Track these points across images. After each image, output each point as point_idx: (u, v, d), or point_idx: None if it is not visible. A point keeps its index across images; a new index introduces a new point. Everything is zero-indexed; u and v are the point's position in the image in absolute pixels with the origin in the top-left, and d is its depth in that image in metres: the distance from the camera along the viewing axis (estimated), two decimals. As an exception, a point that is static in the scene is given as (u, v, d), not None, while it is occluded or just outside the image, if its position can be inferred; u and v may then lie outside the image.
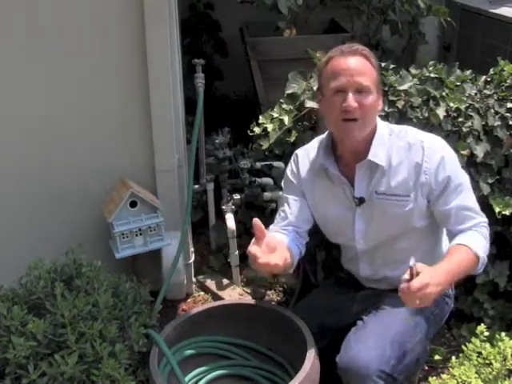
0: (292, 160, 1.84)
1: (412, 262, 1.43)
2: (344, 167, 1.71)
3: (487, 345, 1.65)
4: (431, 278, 1.42)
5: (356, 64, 1.59)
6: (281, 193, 2.50)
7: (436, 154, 1.63)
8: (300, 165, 1.80)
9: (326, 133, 1.76)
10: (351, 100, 1.56)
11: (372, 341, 1.56)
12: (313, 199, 1.78)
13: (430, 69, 2.28)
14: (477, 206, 1.67)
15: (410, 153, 1.64)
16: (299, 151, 1.83)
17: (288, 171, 1.83)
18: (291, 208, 1.79)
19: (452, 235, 1.65)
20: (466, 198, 1.65)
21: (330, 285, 1.96)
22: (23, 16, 1.94)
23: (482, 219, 1.66)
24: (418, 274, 1.42)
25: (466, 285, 2.16)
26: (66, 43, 2.00)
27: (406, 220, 1.68)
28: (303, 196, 1.79)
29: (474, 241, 1.60)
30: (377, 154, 1.64)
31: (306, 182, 1.78)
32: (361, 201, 1.69)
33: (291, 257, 1.68)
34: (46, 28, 1.97)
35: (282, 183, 1.88)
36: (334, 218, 1.77)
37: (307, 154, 1.80)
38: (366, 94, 1.58)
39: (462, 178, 1.66)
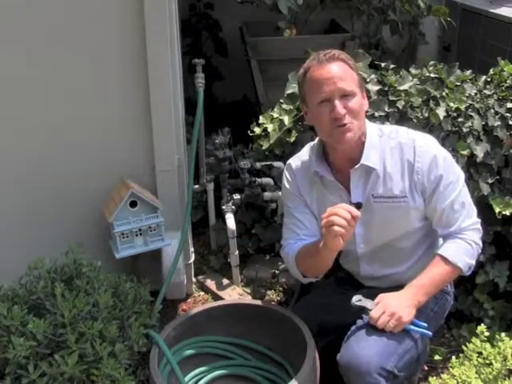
0: (286, 170, 1.82)
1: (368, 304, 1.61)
2: (338, 173, 1.70)
3: (487, 345, 1.65)
4: (396, 308, 1.56)
5: (336, 71, 1.58)
6: (278, 193, 2.53)
7: (428, 153, 1.62)
8: (295, 173, 1.78)
9: (316, 140, 1.76)
10: (339, 108, 1.56)
11: (373, 338, 1.56)
12: (312, 205, 1.77)
13: (430, 69, 2.28)
14: (468, 204, 1.67)
15: (402, 153, 1.64)
16: (292, 160, 1.82)
17: (285, 182, 1.80)
18: (300, 219, 1.75)
19: (440, 237, 1.69)
20: (458, 196, 1.64)
21: (330, 284, 1.96)
22: (23, 15, 1.94)
23: (471, 221, 1.67)
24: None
25: (465, 285, 2.16)
26: (66, 44, 2.00)
27: (406, 221, 1.68)
28: (306, 203, 1.77)
29: (455, 251, 1.63)
30: (370, 158, 1.64)
31: (304, 189, 1.76)
32: (358, 206, 1.68)
33: None
34: (46, 28, 1.97)
35: (282, 197, 1.87)
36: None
37: (300, 162, 1.79)
38: (351, 97, 1.58)
39: (454, 175, 1.65)
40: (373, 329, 1.59)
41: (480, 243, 1.69)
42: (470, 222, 1.66)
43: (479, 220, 1.70)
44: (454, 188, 1.64)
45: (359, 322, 1.65)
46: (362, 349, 1.54)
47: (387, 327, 1.56)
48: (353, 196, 1.68)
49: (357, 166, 1.65)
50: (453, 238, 1.66)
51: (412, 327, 1.60)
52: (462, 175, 1.68)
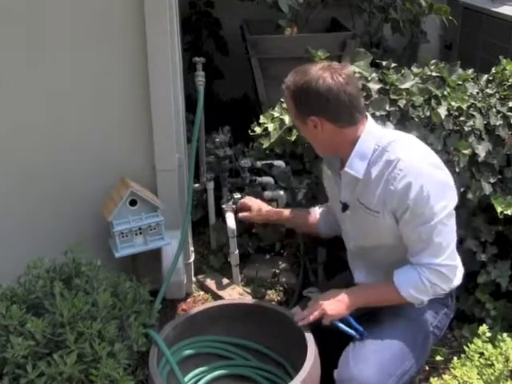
0: None
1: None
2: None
3: (489, 345, 1.65)
4: (324, 301, 1.64)
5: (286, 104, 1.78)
6: (279, 192, 2.54)
7: (404, 179, 1.54)
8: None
9: None
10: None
11: (371, 360, 1.54)
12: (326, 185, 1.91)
13: (432, 67, 2.27)
14: (442, 244, 1.57)
15: (386, 169, 1.59)
16: None
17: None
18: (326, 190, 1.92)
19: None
20: (426, 231, 1.55)
21: (330, 285, 1.95)
22: (23, 16, 1.93)
23: (436, 260, 1.57)
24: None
25: (467, 285, 2.15)
26: (66, 42, 1.99)
27: (381, 234, 1.67)
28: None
29: (404, 279, 1.61)
30: (353, 166, 1.63)
31: (325, 169, 1.87)
32: (344, 207, 1.73)
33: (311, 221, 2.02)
34: (46, 27, 1.96)
35: None
36: (335, 211, 1.86)
37: None
38: (298, 128, 1.75)
39: (430, 210, 1.53)
40: (371, 348, 1.57)
41: (440, 286, 1.60)
42: (433, 260, 1.57)
43: (451, 264, 1.60)
44: (422, 222, 1.55)
45: (357, 341, 1.63)
46: (360, 371, 1.52)
47: (313, 316, 1.63)
48: (342, 195, 1.74)
49: (342, 171, 1.68)
50: (413, 266, 1.61)
51: (340, 325, 1.61)
52: (444, 211, 1.55)
